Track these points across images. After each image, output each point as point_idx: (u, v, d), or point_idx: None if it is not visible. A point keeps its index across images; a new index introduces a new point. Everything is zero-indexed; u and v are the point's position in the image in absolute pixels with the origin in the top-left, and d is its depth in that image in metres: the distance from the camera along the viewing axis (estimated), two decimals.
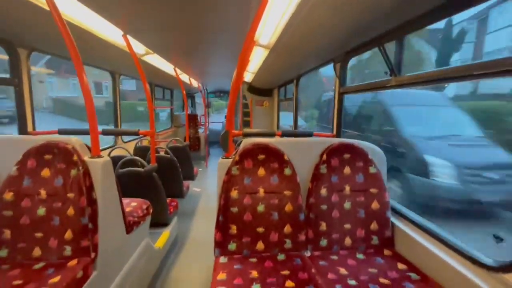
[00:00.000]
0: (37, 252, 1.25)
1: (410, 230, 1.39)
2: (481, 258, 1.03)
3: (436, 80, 1.23)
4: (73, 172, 1.30)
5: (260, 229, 1.42)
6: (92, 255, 1.27)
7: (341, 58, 2.10)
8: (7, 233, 1.25)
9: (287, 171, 1.48)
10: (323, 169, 1.49)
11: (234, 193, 1.43)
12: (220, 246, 1.41)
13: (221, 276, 1.21)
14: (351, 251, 1.44)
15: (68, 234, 1.26)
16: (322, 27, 1.52)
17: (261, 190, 1.45)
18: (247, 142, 1.52)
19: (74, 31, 1.51)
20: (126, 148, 3.00)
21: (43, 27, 1.60)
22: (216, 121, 9.58)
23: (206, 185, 4.62)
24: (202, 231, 2.95)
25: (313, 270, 1.25)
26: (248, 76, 4.17)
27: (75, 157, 1.32)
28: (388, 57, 1.52)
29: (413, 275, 1.20)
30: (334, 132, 2.22)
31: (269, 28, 1.76)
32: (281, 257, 1.38)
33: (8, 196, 1.27)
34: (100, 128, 1.59)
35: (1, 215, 1.25)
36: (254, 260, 1.35)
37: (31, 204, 1.28)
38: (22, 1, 1.23)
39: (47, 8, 1.26)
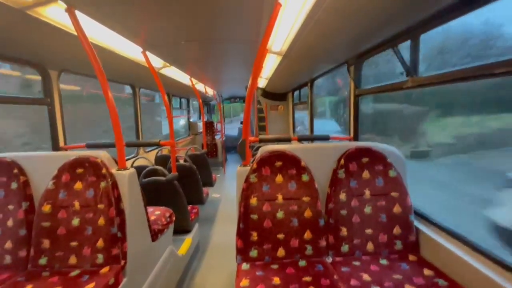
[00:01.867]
0: (73, 260, 1.34)
1: (435, 234, 1.35)
2: (511, 263, 0.99)
3: (454, 80, 1.21)
4: (103, 184, 1.39)
5: (281, 236, 1.44)
6: (122, 262, 1.35)
7: (354, 60, 2.09)
8: (46, 243, 1.35)
9: (305, 177, 1.49)
10: (341, 173, 1.49)
11: (253, 201, 1.46)
12: (242, 253, 1.44)
13: (244, 282, 1.23)
14: (374, 257, 1.41)
15: (100, 243, 1.35)
16: (334, 31, 1.53)
17: (280, 197, 1.47)
18: (264, 150, 1.55)
19: (98, 51, 1.62)
20: (148, 158, 3.13)
21: (71, 50, 1.73)
22: (232, 127, 9.71)
23: (225, 191, 4.69)
24: (223, 236, 3.00)
25: (335, 277, 1.25)
26: (262, 82, 4.22)
27: (103, 170, 1.41)
28: (403, 58, 1.50)
29: (440, 281, 1.16)
30: (352, 135, 2.20)
31: (281, 35, 1.79)
32: (302, 263, 1.39)
33: (46, 208, 1.38)
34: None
35: (41, 226, 1.36)
36: (275, 266, 1.36)
37: (67, 215, 1.38)
38: (52, 27, 1.35)
39: (74, 32, 1.37)
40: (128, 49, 1.96)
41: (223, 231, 3.14)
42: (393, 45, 1.56)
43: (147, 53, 2.12)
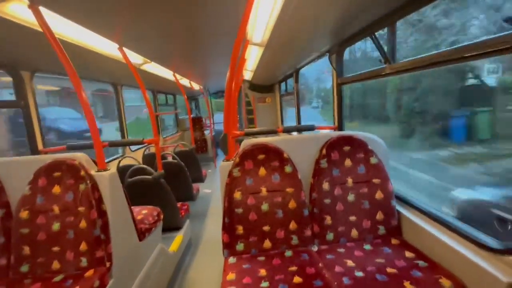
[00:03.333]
0: (55, 265, 1.32)
1: (416, 218, 1.38)
2: (487, 242, 1.02)
3: (430, 65, 1.22)
4: (82, 186, 1.36)
5: (266, 228, 1.45)
6: (107, 264, 1.33)
7: (336, 49, 2.08)
8: (27, 249, 1.32)
9: (288, 169, 1.49)
10: (324, 163, 1.50)
11: (237, 195, 1.45)
12: (228, 247, 1.45)
13: (230, 276, 1.24)
14: (359, 243, 1.44)
15: (83, 246, 1.33)
16: (312, 19, 1.51)
17: (264, 190, 1.47)
18: (246, 143, 1.54)
19: (71, 49, 1.56)
20: (135, 157, 3.08)
21: (42, 49, 1.66)
22: (221, 122, 9.64)
23: (216, 186, 4.68)
24: (215, 231, 3.01)
25: (320, 265, 1.27)
26: (247, 74, 4.18)
27: (82, 172, 1.37)
28: (381, 45, 1.50)
29: (420, 263, 1.19)
30: (336, 124, 2.21)
31: (261, 26, 1.76)
32: (288, 253, 1.40)
33: (24, 214, 1.34)
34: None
35: (19, 233, 1.33)
36: (262, 258, 1.37)
37: (46, 221, 1.35)
38: (18, 25, 1.28)
39: (41, 30, 1.31)
40: (104, 45, 1.89)
41: (215, 226, 3.15)
42: (371, 32, 1.56)
43: (125, 49, 2.05)
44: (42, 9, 1.23)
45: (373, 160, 1.50)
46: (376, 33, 1.55)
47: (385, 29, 1.51)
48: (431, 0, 1.17)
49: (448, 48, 1.10)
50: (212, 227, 3.10)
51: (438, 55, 1.16)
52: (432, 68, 1.24)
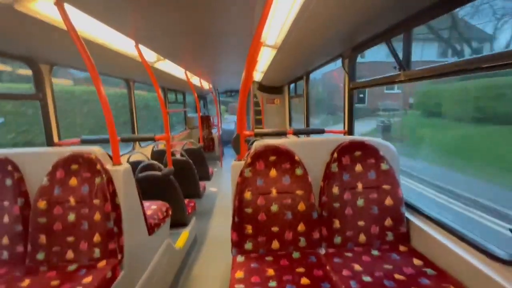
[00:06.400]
0: (70, 254, 1.36)
1: (425, 226, 1.38)
2: (497, 253, 1.02)
3: (445, 74, 1.22)
4: (97, 180, 1.40)
5: (275, 229, 1.46)
6: (119, 256, 1.37)
7: (349, 53, 2.08)
8: (43, 238, 1.37)
9: (298, 171, 1.51)
10: (334, 167, 1.51)
11: (247, 195, 1.48)
12: (237, 245, 1.47)
13: (239, 274, 1.26)
14: (366, 248, 1.45)
15: (97, 238, 1.36)
16: (328, 23, 1.52)
17: (274, 191, 1.49)
18: (258, 144, 1.56)
19: (90, 45, 1.60)
20: (144, 153, 3.13)
21: (62, 44, 1.71)
22: (228, 121, 9.69)
23: (222, 185, 4.72)
24: (220, 229, 3.04)
25: (327, 267, 1.28)
26: (257, 76, 4.20)
27: (98, 166, 1.41)
28: (396, 52, 1.50)
29: (429, 271, 1.20)
30: (346, 129, 2.22)
31: (275, 28, 1.78)
32: (296, 255, 1.42)
33: (42, 204, 1.39)
34: None
35: (37, 222, 1.37)
36: (270, 258, 1.39)
37: (62, 211, 1.39)
38: (41, 21, 1.32)
39: (64, 27, 1.35)
40: (121, 42, 1.93)
41: (220, 224, 3.18)
42: (386, 38, 1.56)
43: (140, 46, 2.10)
44: (66, 6, 1.27)
45: (384, 166, 1.50)
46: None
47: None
48: (446, 10, 1.17)
49: (467, 58, 1.10)
50: (218, 226, 3.13)
51: (455, 64, 1.16)
52: (448, 77, 1.24)
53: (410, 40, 1.45)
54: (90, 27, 1.57)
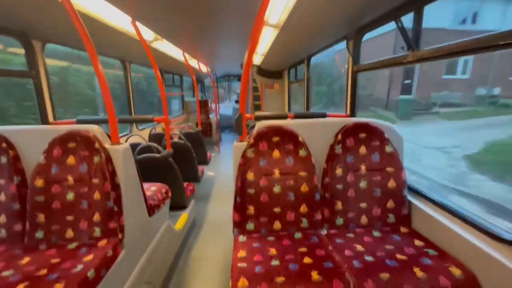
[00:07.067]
0: (69, 233, 1.34)
1: (427, 208, 1.39)
2: (499, 233, 1.03)
3: (456, 53, 1.18)
4: (96, 159, 1.36)
5: (277, 209, 1.46)
6: (120, 235, 1.35)
7: (354, 34, 2.02)
8: (41, 217, 1.34)
9: (302, 152, 1.49)
10: (338, 149, 1.49)
11: (250, 175, 1.46)
12: (239, 226, 1.46)
13: (241, 253, 1.26)
14: (367, 229, 1.46)
15: (96, 217, 1.34)
16: (333, 1, 1.46)
17: (277, 172, 1.47)
18: (261, 125, 1.53)
19: (84, 20, 1.52)
20: (142, 136, 3.08)
21: (56, 18, 1.62)
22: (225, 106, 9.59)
23: (220, 169, 4.71)
24: (219, 212, 3.05)
25: (330, 247, 1.29)
26: (257, 59, 4.10)
27: (96, 145, 1.37)
28: (406, 31, 1.45)
29: (430, 251, 1.21)
30: (348, 112, 2.19)
31: (279, 6, 1.70)
32: (298, 235, 1.42)
33: (39, 183, 1.35)
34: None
35: (35, 200, 1.34)
36: (272, 238, 1.39)
37: (61, 190, 1.36)
38: None
39: None
40: (117, 19, 1.84)
41: (219, 208, 3.19)
42: (396, 17, 1.51)
43: (137, 24, 2.00)
44: None
45: (388, 149, 1.49)
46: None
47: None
48: None
49: (477, 36, 1.06)
50: (216, 209, 3.14)
51: (466, 43, 1.12)
52: (458, 56, 1.21)
53: (421, 19, 1.39)
54: (85, 1, 1.48)
